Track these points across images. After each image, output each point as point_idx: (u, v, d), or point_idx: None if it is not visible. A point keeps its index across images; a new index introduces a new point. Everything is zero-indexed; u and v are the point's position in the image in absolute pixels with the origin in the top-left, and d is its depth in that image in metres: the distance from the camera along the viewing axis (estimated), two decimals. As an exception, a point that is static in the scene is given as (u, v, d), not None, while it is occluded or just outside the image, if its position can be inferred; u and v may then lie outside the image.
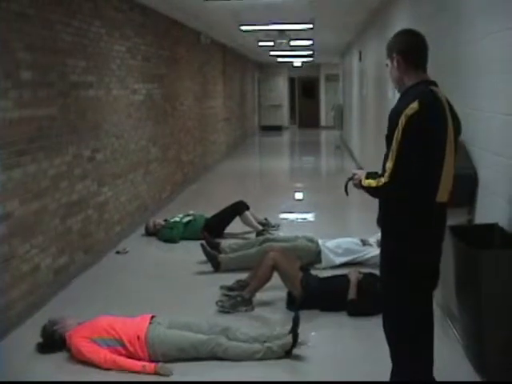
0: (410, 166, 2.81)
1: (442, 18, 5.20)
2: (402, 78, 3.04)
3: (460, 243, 3.57)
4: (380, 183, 2.89)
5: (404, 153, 2.79)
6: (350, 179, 3.21)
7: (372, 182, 2.97)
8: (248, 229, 7.61)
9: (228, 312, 5.09)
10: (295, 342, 4.24)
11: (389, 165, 2.83)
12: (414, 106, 2.79)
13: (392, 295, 3.02)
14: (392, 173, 2.82)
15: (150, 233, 7.71)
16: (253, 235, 7.45)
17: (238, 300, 5.15)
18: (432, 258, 3.00)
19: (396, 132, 2.81)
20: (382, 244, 3.13)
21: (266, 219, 7.90)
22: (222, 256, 6.25)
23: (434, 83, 3.00)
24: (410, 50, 3.03)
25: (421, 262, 2.94)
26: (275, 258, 5.21)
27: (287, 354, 4.23)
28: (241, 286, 5.38)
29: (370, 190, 3.02)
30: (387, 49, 3.11)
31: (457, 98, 3.02)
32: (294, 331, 4.26)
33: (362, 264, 6.11)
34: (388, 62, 3.11)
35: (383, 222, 3.08)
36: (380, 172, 3.00)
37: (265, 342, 4.29)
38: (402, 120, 2.79)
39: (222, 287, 5.46)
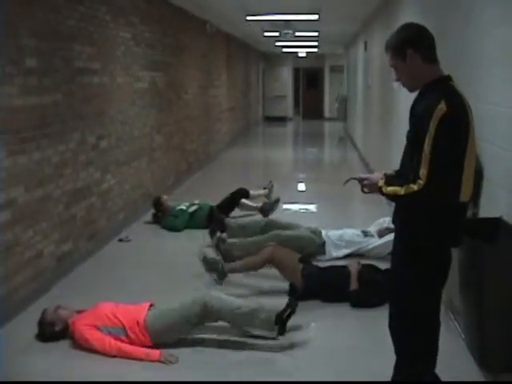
0: (445, 171, 2.73)
1: (451, 9, 5.17)
2: (418, 75, 2.90)
3: (464, 237, 3.56)
4: (411, 190, 2.75)
5: (438, 158, 2.70)
6: (354, 179, 3.21)
7: (398, 190, 2.82)
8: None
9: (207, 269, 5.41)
10: (289, 307, 4.25)
11: (423, 171, 2.71)
12: (442, 106, 2.70)
13: (404, 290, 2.99)
14: (427, 180, 2.71)
15: (160, 207, 7.66)
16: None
17: (218, 266, 5.34)
18: (448, 256, 2.97)
19: (427, 136, 2.70)
20: (398, 241, 3.04)
21: (270, 182, 8.44)
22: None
23: (451, 78, 2.93)
24: (425, 44, 2.90)
25: (439, 259, 2.92)
26: (273, 254, 5.22)
27: (278, 318, 4.22)
28: (228, 255, 5.56)
29: (395, 198, 2.90)
30: (395, 46, 2.93)
31: (463, 91, 2.98)
32: (291, 300, 4.31)
33: (364, 255, 6.12)
34: (397, 60, 2.94)
35: (402, 220, 3.00)
36: (395, 173, 2.97)
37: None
38: (434, 123, 2.69)
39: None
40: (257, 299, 4.72)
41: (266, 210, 7.91)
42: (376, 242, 6.23)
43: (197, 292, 4.51)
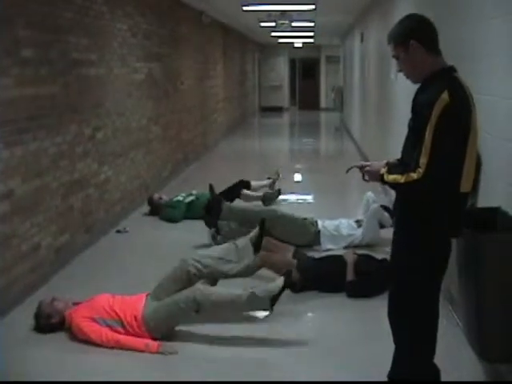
0: (445, 161, 2.72)
1: (448, 0, 5.16)
2: (421, 66, 2.88)
3: (462, 227, 3.56)
4: (410, 179, 2.75)
5: (438, 147, 2.69)
6: (356, 167, 3.19)
7: (399, 178, 2.81)
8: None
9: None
10: (285, 286, 4.15)
11: (423, 160, 2.70)
12: (445, 97, 2.69)
13: (403, 279, 2.99)
14: (427, 169, 2.70)
15: (153, 206, 7.70)
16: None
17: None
18: (448, 246, 2.97)
19: (429, 126, 2.69)
20: (398, 229, 3.04)
21: (277, 173, 8.82)
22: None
23: (455, 69, 2.91)
24: (428, 35, 2.89)
25: (438, 249, 2.92)
26: (265, 259, 5.09)
27: (272, 302, 4.11)
28: None
29: (396, 186, 2.90)
30: (398, 37, 2.92)
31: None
32: (288, 275, 4.22)
33: (358, 246, 6.12)
34: (399, 51, 2.91)
35: (402, 209, 2.99)
36: (398, 161, 2.95)
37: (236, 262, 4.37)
38: (436, 113, 2.68)
39: None
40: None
41: (268, 198, 8.11)
42: (360, 230, 6.23)
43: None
